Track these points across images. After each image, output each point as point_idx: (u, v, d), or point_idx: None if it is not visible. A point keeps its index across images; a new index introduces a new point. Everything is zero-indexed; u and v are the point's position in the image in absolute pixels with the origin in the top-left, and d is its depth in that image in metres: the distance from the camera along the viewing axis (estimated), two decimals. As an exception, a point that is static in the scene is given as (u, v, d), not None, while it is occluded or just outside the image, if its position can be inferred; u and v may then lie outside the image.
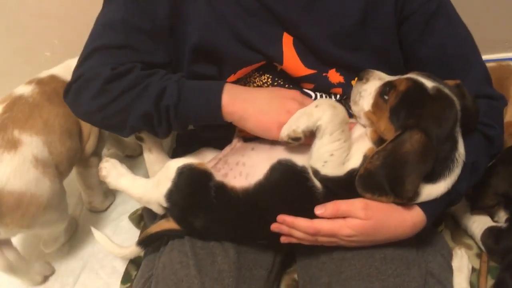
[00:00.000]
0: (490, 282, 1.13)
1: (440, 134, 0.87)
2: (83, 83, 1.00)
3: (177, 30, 1.03)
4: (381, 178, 0.86)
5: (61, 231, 1.38)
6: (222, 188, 0.97)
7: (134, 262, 1.31)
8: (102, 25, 1.04)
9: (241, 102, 0.95)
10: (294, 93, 0.99)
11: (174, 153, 1.27)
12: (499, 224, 1.20)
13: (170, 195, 0.98)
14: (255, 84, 1.08)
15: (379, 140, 0.92)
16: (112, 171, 1.10)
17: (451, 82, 0.94)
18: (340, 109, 0.91)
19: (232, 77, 1.04)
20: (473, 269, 1.16)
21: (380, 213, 0.91)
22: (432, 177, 0.90)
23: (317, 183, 0.93)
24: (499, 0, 1.64)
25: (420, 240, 1.01)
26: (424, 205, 0.93)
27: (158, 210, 1.04)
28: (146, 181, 1.06)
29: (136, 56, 1.01)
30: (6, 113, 1.22)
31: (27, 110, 1.24)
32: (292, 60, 1.01)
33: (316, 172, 0.92)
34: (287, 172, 0.95)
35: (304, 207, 0.93)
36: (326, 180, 0.92)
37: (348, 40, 1.01)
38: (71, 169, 1.36)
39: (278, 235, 0.97)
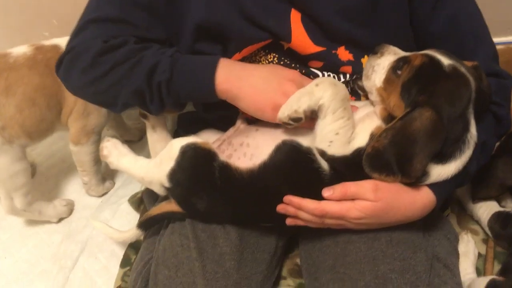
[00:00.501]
0: (497, 267, 1.12)
1: (452, 114, 0.85)
2: (75, 55, 0.97)
3: (179, 6, 1.00)
4: (389, 157, 0.84)
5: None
6: (227, 168, 0.95)
7: (134, 246, 1.29)
8: None
9: (235, 79, 0.93)
10: (293, 73, 0.96)
11: (176, 135, 1.24)
12: (507, 209, 1.18)
13: (173, 175, 0.96)
14: (261, 64, 1.05)
15: (388, 117, 0.90)
16: (114, 151, 1.08)
17: (469, 63, 0.92)
18: (341, 86, 0.89)
19: (237, 56, 1.01)
20: (479, 255, 1.15)
21: (390, 194, 0.89)
22: (442, 158, 0.88)
23: (323, 164, 0.91)
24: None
25: (426, 224, 1.00)
26: (434, 186, 0.91)
27: (160, 191, 1.02)
28: (148, 161, 1.04)
29: (131, 30, 0.99)
30: None
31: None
32: (300, 37, 0.98)
33: (322, 153, 0.90)
34: (292, 153, 0.93)
35: (310, 189, 0.91)
36: (333, 161, 0.89)
37: (358, 15, 0.98)
38: (30, 140, 1.34)
39: (282, 218, 0.95)
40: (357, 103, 1.00)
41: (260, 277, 1.01)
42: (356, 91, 1.05)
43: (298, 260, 1.17)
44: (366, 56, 1.02)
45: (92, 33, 0.98)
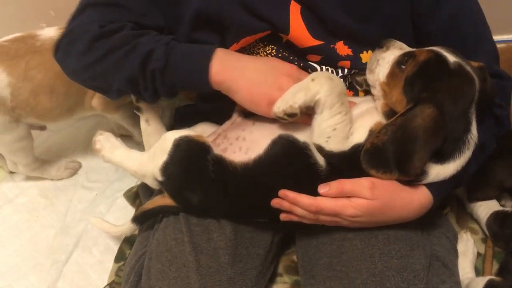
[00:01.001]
0: (496, 267, 1.12)
1: (454, 112, 0.84)
2: (71, 39, 0.97)
3: None
4: (388, 153, 0.83)
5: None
6: (221, 162, 0.93)
7: (128, 241, 1.28)
8: None
9: (231, 71, 0.91)
10: (291, 67, 0.94)
11: (172, 129, 1.23)
12: (506, 209, 1.17)
13: (166, 168, 0.94)
14: (258, 56, 1.03)
15: (389, 112, 0.88)
16: (106, 144, 1.07)
17: (474, 64, 0.90)
18: (338, 81, 0.88)
19: (235, 46, 0.99)
20: (478, 254, 1.13)
21: (387, 193, 0.88)
22: (441, 158, 0.87)
23: (320, 160, 0.90)
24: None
25: (425, 222, 0.98)
26: (431, 186, 0.90)
27: (153, 184, 1.00)
28: (142, 154, 1.03)
29: (128, 15, 0.97)
30: (11, 42, 1.29)
31: (23, 51, 1.28)
32: (299, 30, 0.96)
33: (320, 149, 0.88)
34: (289, 148, 0.92)
35: (306, 185, 0.89)
36: (331, 156, 0.88)
37: (359, 10, 0.96)
38: (39, 120, 1.36)
39: (277, 213, 0.93)
40: (356, 99, 0.99)
41: (254, 273, 1.00)
42: (354, 86, 1.03)
43: (294, 257, 1.16)
44: (365, 52, 1.00)
45: (89, 17, 0.97)
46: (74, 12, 1.00)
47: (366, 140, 0.86)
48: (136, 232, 1.19)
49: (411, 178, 0.87)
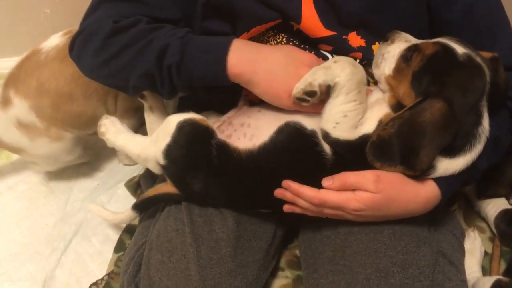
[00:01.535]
0: (503, 266, 1.10)
1: (464, 105, 0.82)
2: (86, 36, 0.95)
3: None
4: (394, 147, 0.81)
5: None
6: (225, 147, 0.91)
7: (129, 231, 1.27)
8: None
9: (250, 63, 0.89)
10: (311, 57, 0.92)
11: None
12: (515, 207, 1.14)
13: (168, 152, 0.93)
14: (269, 44, 1.02)
15: (397, 105, 0.86)
16: (111, 128, 1.07)
17: (487, 54, 0.88)
18: (360, 68, 0.85)
19: (245, 35, 0.98)
20: (486, 253, 1.11)
21: (392, 186, 0.85)
22: (451, 152, 0.85)
23: (326, 149, 0.87)
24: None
25: (432, 218, 0.96)
26: (439, 181, 0.88)
27: (155, 169, 0.99)
28: (145, 137, 1.02)
29: (145, 10, 0.96)
30: (18, 69, 1.28)
31: (30, 69, 1.26)
32: (311, 19, 0.94)
33: (326, 135, 0.86)
34: (295, 135, 0.90)
35: (311, 175, 0.87)
36: (336, 144, 0.86)
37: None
38: (80, 131, 1.35)
39: (280, 204, 0.92)
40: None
41: (256, 266, 0.98)
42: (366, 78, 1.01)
43: (297, 252, 1.14)
44: (377, 43, 0.98)
45: (103, 13, 0.96)
46: (88, 9, 0.98)
47: (375, 131, 0.84)
48: (136, 221, 1.18)
49: (417, 174, 0.85)
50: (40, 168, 1.45)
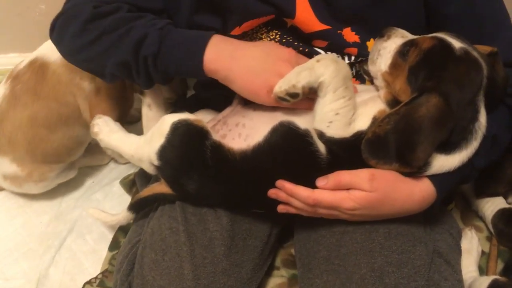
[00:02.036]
0: (500, 266, 1.09)
1: (461, 100, 0.80)
2: (66, 20, 0.95)
3: None
4: (390, 144, 0.80)
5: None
6: (219, 148, 0.91)
7: (123, 229, 1.26)
8: None
9: (226, 59, 0.88)
10: (289, 52, 0.91)
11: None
12: (513, 206, 1.13)
13: (162, 152, 0.92)
14: (262, 41, 1.00)
15: (393, 101, 0.85)
16: (105, 127, 1.06)
17: (486, 49, 0.87)
18: (343, 64, 0.84)
19: (237, 30, 0.96)
20: (483, 253, 1.10)
21: (387, 185, 0.84)
22: (446, 148, 0.83)
23: (321, 148, 0.86)
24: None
25: (428, 217, 0.95)
26: (435, 178, 0.87)
27: (150, 169, 0.98)
28: (139, 137, 1.01)
29: None
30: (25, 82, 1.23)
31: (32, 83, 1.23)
32: (305, 13, 0.93)
33: (321, 135, 0.85)
34: (289, 135, 0.89)
35: (306, 174, 0.86)
36: (331, 143, 0.85)
37: None
38: (70, 155, 1.35)
39: (275, 204, 0.91)
40: (360, 87, 0.96)
41: (251, 265, 0.98)
42: (361, 75, 1.00)
43: (293, 251, 1.13)
44: (372, 40, 0.97)
45: None
46: None
47: (369, 128, 0.83)
48: (132, 221, 1.16)
49: (413, 170, 0.83)
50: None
